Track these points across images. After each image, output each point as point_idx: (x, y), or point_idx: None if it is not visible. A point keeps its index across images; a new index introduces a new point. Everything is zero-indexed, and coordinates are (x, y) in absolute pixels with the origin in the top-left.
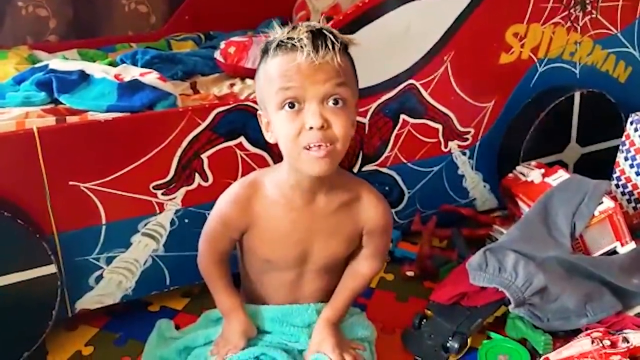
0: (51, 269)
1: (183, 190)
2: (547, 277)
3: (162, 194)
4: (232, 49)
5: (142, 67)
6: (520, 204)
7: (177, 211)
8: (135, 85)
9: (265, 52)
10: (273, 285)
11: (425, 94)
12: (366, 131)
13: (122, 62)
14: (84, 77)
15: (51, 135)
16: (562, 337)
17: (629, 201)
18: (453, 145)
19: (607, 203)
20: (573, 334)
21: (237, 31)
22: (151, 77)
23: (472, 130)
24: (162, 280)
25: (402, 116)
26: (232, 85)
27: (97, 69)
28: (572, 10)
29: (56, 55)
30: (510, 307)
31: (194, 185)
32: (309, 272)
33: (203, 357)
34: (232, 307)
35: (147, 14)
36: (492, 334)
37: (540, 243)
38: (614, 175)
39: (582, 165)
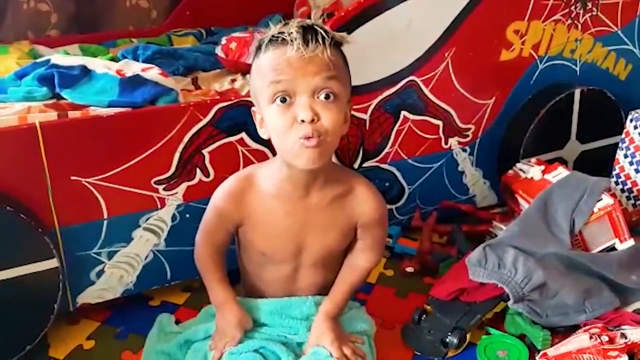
0: (53, 263)
1: (184, 185)
2: (546, 273)
3: (164, 189)
4: (233, 45)
5: (143, 62)
6: (520, 200)
7: (178, 206)
8: (136, 81)
9: (258, 48)
10: (270, 279)
11: (426, 90)
12: (367, 127)
13: (124, 57)
14: (85, 72)
15: (53, 130)
16: (561, 333)
17: (628, 198)
18: (453, 141)
19: (607, 200)
20: (572, 329)
21: (238, 27)
22: (153, 73)
23: (473, 127)
24: (163, 275)
25: (403, 112)
26: (233, 80)
27: (99, 64)
28: (572, 8)
29: (57, 50)
30: (510, 303)
31: (196, 181)
32: (305, 265)
33: (203, 351)
34: (224, 299)
35: (148, 9)
36: (491, 330)
37: (539, 239)
38: (614, 172)
39: (582, 162)
